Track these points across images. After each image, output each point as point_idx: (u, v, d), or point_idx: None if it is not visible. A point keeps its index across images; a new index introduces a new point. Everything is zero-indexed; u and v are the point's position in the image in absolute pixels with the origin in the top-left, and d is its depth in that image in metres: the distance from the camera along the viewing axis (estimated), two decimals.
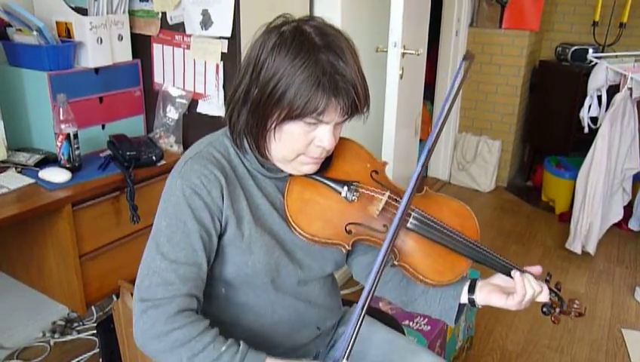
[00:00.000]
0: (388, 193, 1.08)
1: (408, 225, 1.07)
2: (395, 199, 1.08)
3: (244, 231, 1.01)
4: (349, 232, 1.05)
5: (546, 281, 1.12)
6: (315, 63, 0.90)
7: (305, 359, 0.92)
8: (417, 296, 1.17)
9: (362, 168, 1.12)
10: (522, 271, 1.08)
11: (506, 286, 1.10)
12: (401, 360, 1.19)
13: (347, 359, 0.90)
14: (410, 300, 1.18)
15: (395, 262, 1.07)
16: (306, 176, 1.06)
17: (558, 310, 1.12)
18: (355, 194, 1.06)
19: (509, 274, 1.09)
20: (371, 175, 1.12)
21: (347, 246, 1.05)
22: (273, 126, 0.96)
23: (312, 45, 0.92)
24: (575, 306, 1.13)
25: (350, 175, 1.09)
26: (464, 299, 1.12)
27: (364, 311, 0.92)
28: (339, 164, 1.10)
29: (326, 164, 1.07)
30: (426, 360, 1.19)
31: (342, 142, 1.10)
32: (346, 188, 1.06)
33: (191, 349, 0.90)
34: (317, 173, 1.06)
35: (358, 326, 0.91)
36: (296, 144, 0.98)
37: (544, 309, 1.11)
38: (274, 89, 0.92)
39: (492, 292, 1.09)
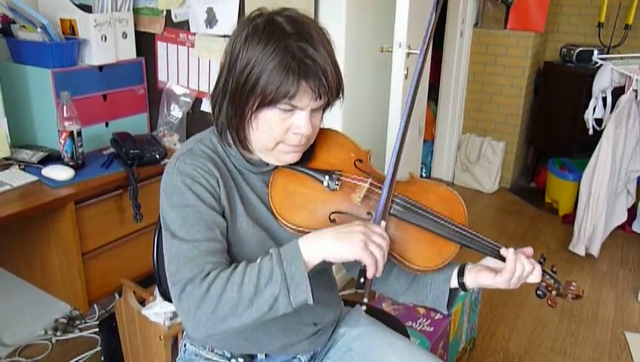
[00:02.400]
0: (370, 180, 1.09)
1: (392, 211, 1.06)
2: (378, 186, 1.08)
3: (237, 224, 1.02)
4: (333, 221, 1.04)
5: (540, 263, 1.09)
6: (285, 49, 0.92)
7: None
8: (408, 286, 1.17)
9: (346, 157, 1.13)
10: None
11: (495, 267, 1.09)
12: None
13: (384, 220, 0.98)
14: (402, 291, 1.18)
15: None
16: (289, 167, 1.07)
17: (554, 293, 1.09)
18: (337, 183, 1.07)
19: (498, 256, 1.07)
20: (355, 163, 1.12)
21: None
22: (250, 115, 0.97)
23: (282, 33, 0.94)
24: (572, 288, 1.10)
25: (333, 165, 1.10)
26: (454, 283, 1.12)
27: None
28: (322, 155, 1.11)
29: (309, 155, 1.09)
30: None
31: (325, 133, 1.12)
32: (327, 177, 1.07)
33: (234, 283, 0.89)
34: (299, 163, 1.07)
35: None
36: (273, 132, 0.99)
37: (538, 292, 1.09)
38: (248, 77, 0.94)
39: (480, 272, 1.08)
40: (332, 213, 1.05)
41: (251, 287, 0.88)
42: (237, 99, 0.97)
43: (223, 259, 0.96)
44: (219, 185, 1.00)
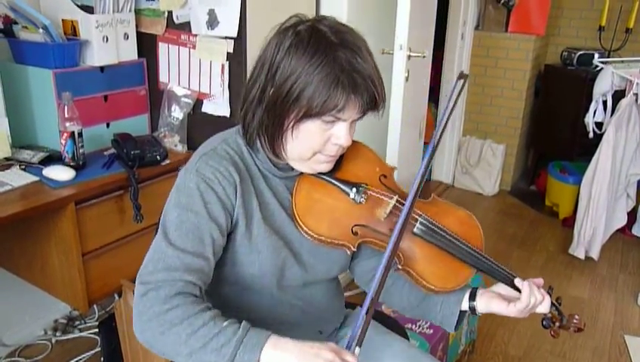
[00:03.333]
0: (396, 197, 1.09)
1: (414, 230, 1.07)
2: (403, 204, 1.08)
3: (252, 231, 1.01)
4: (355, 233, 1.05)
5: (548, 294, 1.12)
6: (334, 61, 0.91)
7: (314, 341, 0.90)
8: (418, 302, 1.16)
9: (371, 171, 1.12)
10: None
11: (506, 295, 1.10)
12: None
13: (359, 346, 0.88)
14: (411, 306, 1.18)
15: (399, 266, 1.07)
16: (316, 175, 1.06)
17: (557, 324, 1.13)
18: (363, 196, 1.06)
19: (511, 284, 1.09)
20: (380, 179, 1.12)
21: (352, 248, 1.05)
22: (291, 125, 0.96)
23: (328, 43, 0.92)
24: (575, 321, 1.13)
25: (359, 177, 1.10)
26: (465, 305, 1.12)
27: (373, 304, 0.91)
28: (348, 166, 1.11)
29: (336, 166, 1.08)
30: None
31: (352, 145, 1.10)
32: (354, 189, 1.06)
33: (190, 325, 0.85)
34: (327, 173, 1.06)
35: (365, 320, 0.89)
36: (313, 142, 0.98)
37: (544, 322, 1.13)
38: (292, 88, 0.92)
39: (493, 299, 1.10)
40: (355, 225, 1.05)
41: (201, 342, 0.84)
42: (277, 108, 0.95)
43: (199, 279, 0.93)
44: (236, 191, 0.98)
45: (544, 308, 1.09)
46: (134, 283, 0.98)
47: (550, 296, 1.11)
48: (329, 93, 0.91)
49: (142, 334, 0.90)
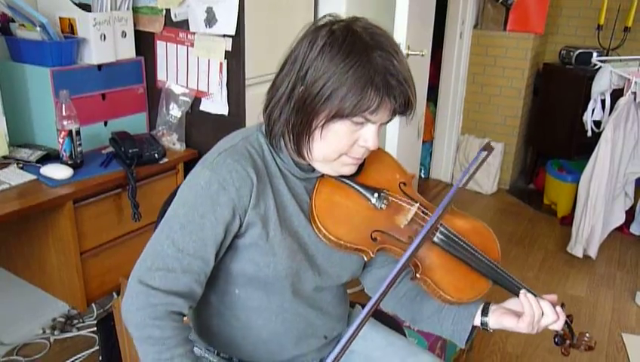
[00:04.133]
0: (417, 205, 1.08)
1: (434, 239, 1.07)
2: (424, 212, 1.07)
3: (269, 232, 0.99)
4: (375, 239, 1.03)
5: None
6: (368, 62, 0.90)
7: None
8: (430, 314, 1.15)
9: (392, 178, 1.11)
10: (537, 296, 1.08)
11: (517, 311, 1.09)
12: (403, 361, 1.18)
13: None
14: (422, 318, 1.17)
15: (418, 275, 1.06)
16: (337, 178, 1.05)
17: (568, 342, 1.12)
18: (384, 202, 1.05)
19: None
20: (400, 186, 1.11)
21: (371, 254, 1.03)
22: (320, 124, 0.94)
23: (363, 44, 0.91)
24: (585, 339, 1.13)
25: (380, 183, 1.08)
26: (477, 321, 1.11)
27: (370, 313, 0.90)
28: (370, 172, 1.09)
29: (358, 170, 1.06)
30: (428, 361, 1.18)
31: (374, 151, 1.08)
32: (376, 195, 1.05)
33: (158, 353, 0.92)
34: (348, 176, 1.05)
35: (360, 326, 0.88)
36: (340, 144, 0.96)
37: (556, 339, 1.12)
38: (324, 87, 0.91)
39: (504, 315, 1.08)
40: (374, 231, 1.04)
41: None
42: (307, 107, 0.94)
43: (195, 282, 0.95)
44: (251, 193, 0.96)
45: (558, 325, 1.08)
46: None
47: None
48: (362, 94, 0.89)
49: (125, 322, 0.96)
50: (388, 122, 0.99)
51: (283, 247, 1.00)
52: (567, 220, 3.42)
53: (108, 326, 1.89)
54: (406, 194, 1.10)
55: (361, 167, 1.07)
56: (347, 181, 1.06)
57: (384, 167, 1.12)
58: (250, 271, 1.02)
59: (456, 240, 1.08)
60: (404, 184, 1.12)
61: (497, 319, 1.09)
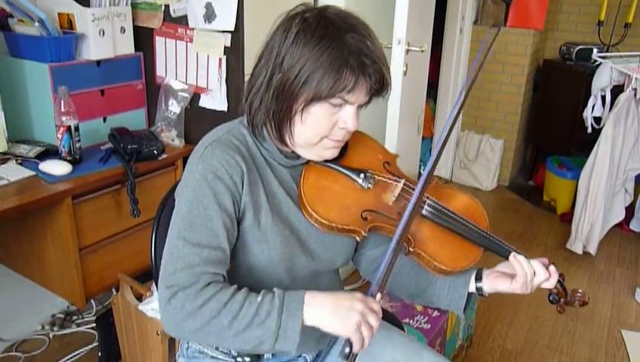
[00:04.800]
0: (403, 181, 1.11)
1: (423, 212, 1.09)
2: (410, 187, 1.11)
3: (260, 219, 1.01)
4: (365, 219, 1.06)
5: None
6: (342, 44, 0.92)
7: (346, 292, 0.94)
8: (426, 286, 1.17)
9: (375, 158, 1.15)
10: (526, 258, 1.10)
11: (510, 273, 1.11)
12: (403, 357, 1.19)
13: (381, 292, 0.94)
14: (418, 292, 1.19)
15: (411, 249, 1.08)
16: (322, 164, 1.08)
17: (562, 300, 1.14)
18: (370, 181, 1.09)
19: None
20: (384, 165, 1.14)
21: (364, 233, 1.05)
22: (300, 108, 0.96)
23: (336, 28, 0.93)
24: (578, 295, 1.15)
25: (364, 164, 1.12)
26: (472, 287, 1.13)
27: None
28: (353, 154, 1.12)
29: (341, 154, 1.09)
30: (428, 358, 1.19)
31: (355, 134, 1.11)
32: (362, 175, 1.08)
33: (229, 312, 0.88)
34: (332, 161, 1.07)
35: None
36: (321, 127, 0.99)
37: (551, 298, 1.14)
38: (300, 71, 0.93)
39: (498, 278, 1.11)
40: (364, 211, 1.06)
41: (244, 323, 0.88)
42: (286, 93, 0.96)
43: (222, 269, 0.95)
44: (242, 181, 0.98)
45: (550, 283, 1.10)
46: (132, 278, 0.98)
47: None
48: (338, 75, 0.92)
49: (180, 333, 0.92)
50: (366, 104, 1.01)
51: (275, 234, 1.02)
52: (567, 217, 3.41)
53: (107, 323, 1.89)
54: (391, 173, 1.13)
55: (344, 151, 1.10)
56: (332, 165, 1.08)
57: (367, 148, 1.16)
58: (247, 261, 1.03)
59: (445, 211, 1.11)
60: (388, 163, 1.15)
61: (491, 283, 1.11)
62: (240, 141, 1.02)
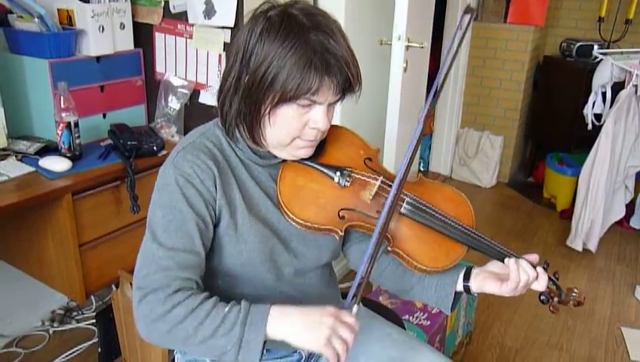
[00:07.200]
0: (381, 178, 1.08)
1: (402, 210, 1.07)
2: (389, 184, 1.08)
3: (237, 221, 1.01)
4: (342, 218, 1.04)
5: (544, 269, 1.11)
6: (306, 44, 0.91)
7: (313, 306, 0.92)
8: (414, 284, 1.16)
9: (355, 155, 1.12)
10: (517, 258, 1.08)
11: (501, 273, 1.10)
12: (402, 354, 1.19)
13: (357, 304, 0.92)
14: (406, 289, 1.18)
15: (389, 248, 1.07)
16: (299, 162, 1.06)
17: (556, 299, 1.11)
18: (347, 179, 1.06)
19: (503, 261, 1.09)
20: (365, 162, 1.12)
21: (340, 232, 1.04)
22: (267, 111, 0.96)
23: (300, 27, 0.92)
24: (574, 294, 1.12)
25: (343, 161, 1.10)
26: (460, 286, 1.12)
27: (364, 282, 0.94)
28: (332, 151, 1.10)
29: (319, 151, 1.08)
30: (427, 355, 1.18)
31: (335, 130, 1.11)
32: (338, 173, 1.06)
33: (195, 319, 0.89)
34: (310, 159, 1.06)
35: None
36: (291, 127, 0.97)
37: (542, 297, 1.11)
38: (265, 73, 0.92)
39: (487, 279, 1.09)
40: (341, 209, 1.05)
41: (209, 331, 0.88)
42: (253, 95, 0.95)
43: (195, 275, 0.95)
44: (215, 185, 0.98)
45: (541, 285, 1.08)
46: (131, 274, 0.98)
47: (546, 270, 1.10)
48: (302, 75, 0.90)
49: (149, 336, 0.93)
50: (338, 101, 1.00)
51: (254, 233, 1.02)
52: (567, 214, 3.41)
53: (107, 318, 1.89)
54: (371, 169, 1.11)
55: (323, 148, 1.09)
56: (309, 163, 1.07)
57: (346, 145, 1.13)
58: (227, 263, 1.03)
59: (425, 208, 1.08)
60: (370, 159, 1.13)
61: (479, 284, 1.10)
62: (214, 143, 1.02)
